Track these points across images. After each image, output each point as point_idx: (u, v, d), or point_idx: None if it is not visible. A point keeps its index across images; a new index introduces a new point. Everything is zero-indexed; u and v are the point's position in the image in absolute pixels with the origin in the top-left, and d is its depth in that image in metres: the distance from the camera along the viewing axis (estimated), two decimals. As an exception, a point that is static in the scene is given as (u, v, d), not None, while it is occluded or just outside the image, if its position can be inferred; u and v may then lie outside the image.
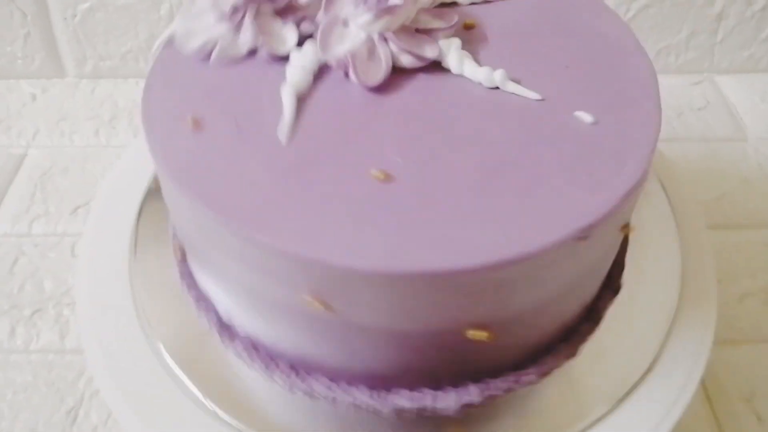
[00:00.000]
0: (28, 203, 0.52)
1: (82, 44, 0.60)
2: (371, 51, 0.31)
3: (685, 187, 0.47)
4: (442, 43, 0.32)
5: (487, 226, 0.26)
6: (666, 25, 0.60)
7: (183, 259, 0.36)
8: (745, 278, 0.48)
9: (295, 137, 0.28)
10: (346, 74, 0.31)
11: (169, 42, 0.33)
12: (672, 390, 0.32)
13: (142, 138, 0.31)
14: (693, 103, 0.59)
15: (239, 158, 0.28)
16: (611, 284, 0.36)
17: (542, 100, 0.30)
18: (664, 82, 0.62)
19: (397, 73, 0.31)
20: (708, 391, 0.42)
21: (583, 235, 0.26)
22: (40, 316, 0.46)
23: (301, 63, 0.30)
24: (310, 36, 0.32)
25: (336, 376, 0.31)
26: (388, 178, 0.27)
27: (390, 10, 0.30)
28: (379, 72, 0.30)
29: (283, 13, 0.32)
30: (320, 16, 0.32)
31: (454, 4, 0.35)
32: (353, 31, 0.31)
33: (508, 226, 0.26)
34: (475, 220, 0.26)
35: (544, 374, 0.33)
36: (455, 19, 0.33)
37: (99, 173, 0.54)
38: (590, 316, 0.35)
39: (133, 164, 0.43)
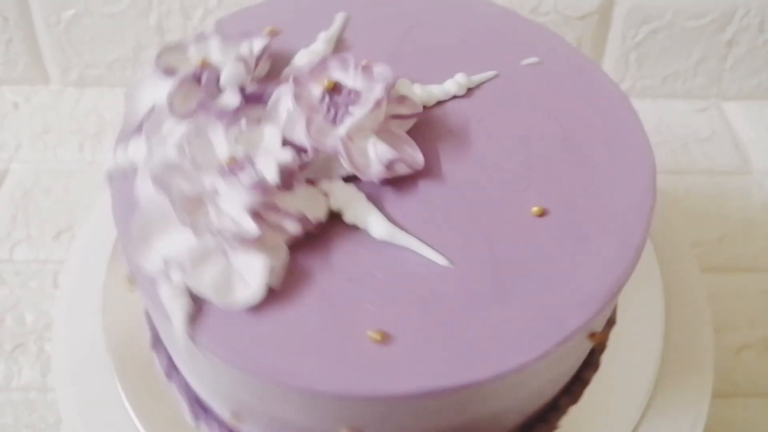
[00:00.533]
0: (9, 227, 0.50)
1: (66, 52, 0.57)
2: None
3: (682, 229, 0.46)
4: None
5: (473, 347, 0.25)
6: (675, 51, 0.58)
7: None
8: (743, 327, 0.47)
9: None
10: None
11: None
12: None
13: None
14: (698, 134, 0.58)
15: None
16: (592, 360, 0.35)
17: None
18: (670, 106, 0.60)
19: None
20: (701, 449, 0.42)
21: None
22: (22, 351, 0.44)
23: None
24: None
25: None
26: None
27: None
28: None
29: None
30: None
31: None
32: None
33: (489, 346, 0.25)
34: (457, 343, 0.25)
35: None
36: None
37: (83, 193, 0.52)
38: (571, 390, 0.34)
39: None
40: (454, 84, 0.32)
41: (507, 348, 0.25)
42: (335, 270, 0.26)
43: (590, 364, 0.35)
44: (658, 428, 0.34)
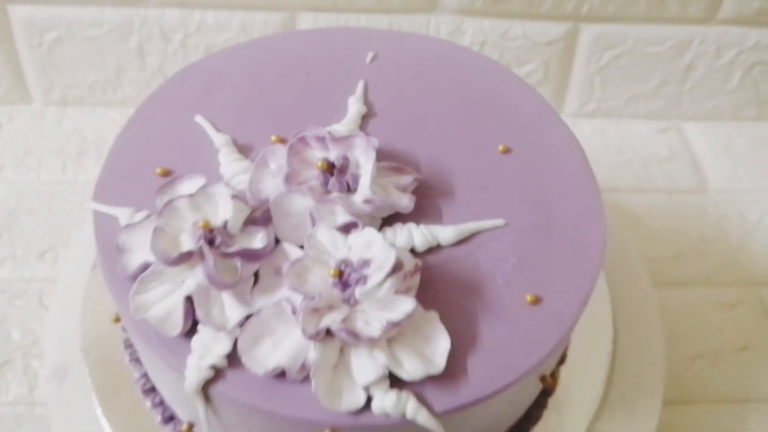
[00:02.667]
0: (-6, 246, 0.51)
1: (48, 73, 0.59)
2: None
3: (636, 247, 0.49)
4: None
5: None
6: (636, 74, 0.61)
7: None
8: (697, 339, 0.50)
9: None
10: None
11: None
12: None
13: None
14: (658, 153, 0.61)
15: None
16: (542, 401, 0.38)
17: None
18: (633, 128, 0.63)
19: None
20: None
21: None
22: (9, 368, 0.46)
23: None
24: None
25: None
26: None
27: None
28: None
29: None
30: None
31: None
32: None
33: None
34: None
35: None
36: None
37: (66, 213, 0.53)
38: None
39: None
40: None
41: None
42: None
43: (540, 404, 0.37)
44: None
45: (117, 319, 0.33)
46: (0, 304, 0.48)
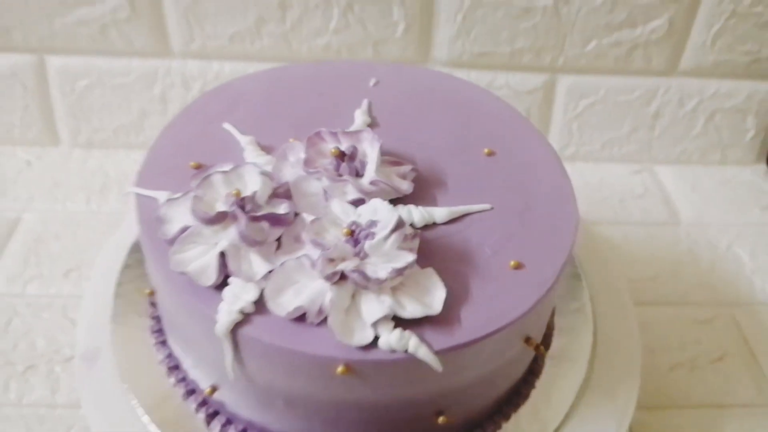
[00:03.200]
0: (22, 267, 0.55)
1: (77, 117, 0.65)
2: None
3: (618, 268, 0.54)
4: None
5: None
6: (610, 121, 0.67)
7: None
8: (674, 351, 0.53)
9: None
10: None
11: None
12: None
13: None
14: (634, 191, 0.66)
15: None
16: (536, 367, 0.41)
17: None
18: (609, 169, 0.69)
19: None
20: (640, 453, 0.47)
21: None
22: (33, 372, 0.49)
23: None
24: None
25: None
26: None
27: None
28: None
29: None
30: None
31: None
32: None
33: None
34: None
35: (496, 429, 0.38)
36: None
37: (90, 238, 0.58)
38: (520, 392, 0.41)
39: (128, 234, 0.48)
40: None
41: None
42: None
43: (528, 382, 0.41)
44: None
45: (151, 293, 0.37)
46: (26, 316, 0.52)
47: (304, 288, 0.31)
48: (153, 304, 0.42)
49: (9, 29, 0.61)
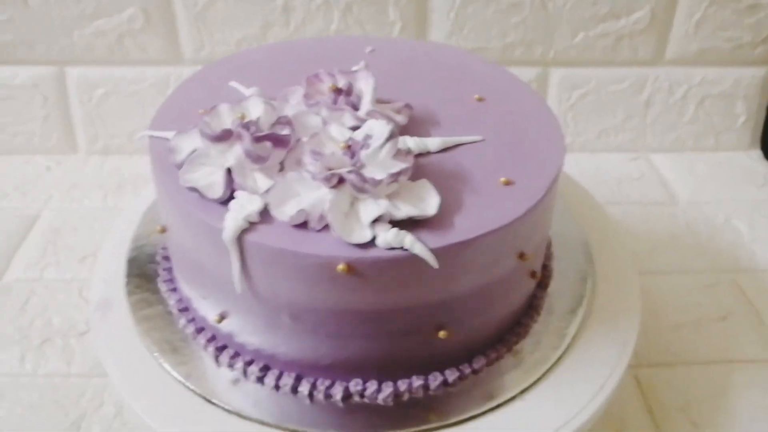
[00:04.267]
0: (40, 255, 0.58)
1: (95, 125, 0.68)
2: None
3: (621, 239, 0.55)
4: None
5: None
6: (603, 110, 0.70)
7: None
8: (677, 313, 0.54)
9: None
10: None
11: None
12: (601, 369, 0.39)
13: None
14: (630, 175, 0.68)
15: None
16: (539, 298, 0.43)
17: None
18: (606, 157, 0.71)
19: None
20: (649, 403, 0.48)
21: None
22: (49, 345, 0.50)
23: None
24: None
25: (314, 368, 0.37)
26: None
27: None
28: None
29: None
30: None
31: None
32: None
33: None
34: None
35: (498, 357, 0.39)
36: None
37: (106, 231, 0.60)
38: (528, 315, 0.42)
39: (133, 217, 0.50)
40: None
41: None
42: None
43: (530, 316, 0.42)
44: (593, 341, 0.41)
45: (162, 230, 0.39)
46: (43, 297, 0.54)
47: (305, 198, 0.33)
48: (166, 258, 0.43)
49: (32, 43, 0.65)
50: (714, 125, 0.71)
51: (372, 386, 0.37)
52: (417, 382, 0.37)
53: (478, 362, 0.38)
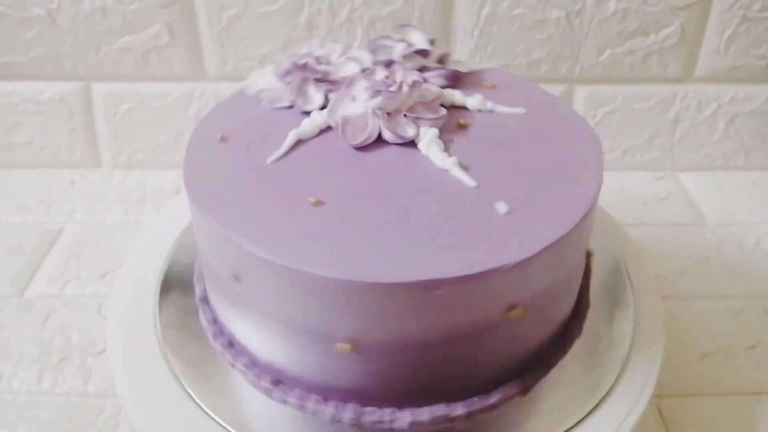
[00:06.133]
0: (61, 270, 0.58)
1: (119, 139, 0.69)
2: (363, 121, 0.39)
3: (645, 265, 0.53)
4: (423, 129, 0.40)
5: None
6: (630, 128, 0.68)
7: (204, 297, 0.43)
8: (703, 340, 0.53)
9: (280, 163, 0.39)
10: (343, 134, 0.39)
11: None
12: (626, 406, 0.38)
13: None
14: (657, 195, 0.67)
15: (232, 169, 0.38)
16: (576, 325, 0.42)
17: (477, 187, 0.37)
18: (631, 176, 0.69)
19: (380, 143, 0.40)
20: (673, 436, 0.46)
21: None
22: (67, 363, 0.51)
23: (313, 118, 0.40)
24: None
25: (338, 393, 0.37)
26: (318, 203, 0.35)
27: (383, 93, 0.39)
28: (362, 138, 0.39)
29: (319, 82, 0.43)
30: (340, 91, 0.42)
31: (464, 108, 0.43)
32: (356, 104, 0.40)
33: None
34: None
35: (527, 389, 0.38)
36: (442, 112, 0.41)
37: (128, 245, 0.61)
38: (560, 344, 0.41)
39: (156, 234, 0.50)
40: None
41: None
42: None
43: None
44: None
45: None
46: (63, 314, 0.54)
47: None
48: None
49: (60, 58, 0.66)
50: (744, 143, 0.69)
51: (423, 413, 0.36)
52: (443, 411, 0.37)
53: (508, 391, 0.38)
